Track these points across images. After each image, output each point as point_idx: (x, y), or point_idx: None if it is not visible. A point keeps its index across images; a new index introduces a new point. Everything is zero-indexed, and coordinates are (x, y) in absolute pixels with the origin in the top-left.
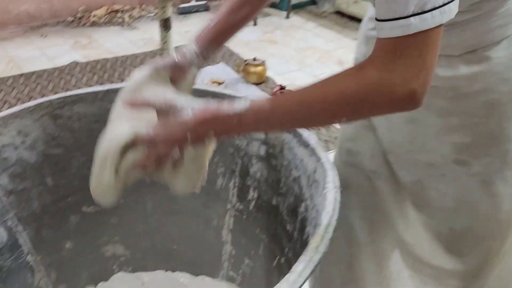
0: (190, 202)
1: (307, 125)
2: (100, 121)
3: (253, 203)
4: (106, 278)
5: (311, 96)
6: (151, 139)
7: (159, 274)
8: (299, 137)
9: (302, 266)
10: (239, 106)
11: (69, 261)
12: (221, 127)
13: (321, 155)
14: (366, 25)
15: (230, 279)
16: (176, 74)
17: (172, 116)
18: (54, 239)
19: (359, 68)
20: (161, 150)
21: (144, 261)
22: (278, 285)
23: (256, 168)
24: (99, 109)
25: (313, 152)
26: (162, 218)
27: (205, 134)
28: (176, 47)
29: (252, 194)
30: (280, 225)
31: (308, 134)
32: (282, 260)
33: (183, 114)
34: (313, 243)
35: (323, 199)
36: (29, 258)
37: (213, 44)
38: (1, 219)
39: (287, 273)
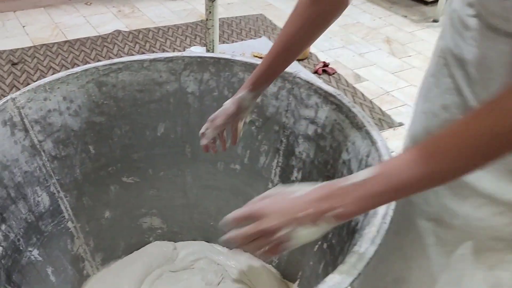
0: (230, 179)
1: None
2: (144, 90)
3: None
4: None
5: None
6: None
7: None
8: (352, 117)
9: (356, 258)
10: (363, 174)
11: (107, 231)
12: (347, 199)
13: (376, 138)
14: (463, 9)
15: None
16: (232, 122)
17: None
18: (93, 207)
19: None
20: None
21: (180, 236)
22: (331, 275)
23: (302, 148)
24: (144, 78)
25: (367, 134)
26: (201, 193)
27: (326, 209)
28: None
29: (296, 175)
30: None
31: (362, 115)
32: (325, 245)
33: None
34: (368, 233)
35: None
36: (69, 224)
37: (265, 84)
38: (44, 184)
39: (329, 259)
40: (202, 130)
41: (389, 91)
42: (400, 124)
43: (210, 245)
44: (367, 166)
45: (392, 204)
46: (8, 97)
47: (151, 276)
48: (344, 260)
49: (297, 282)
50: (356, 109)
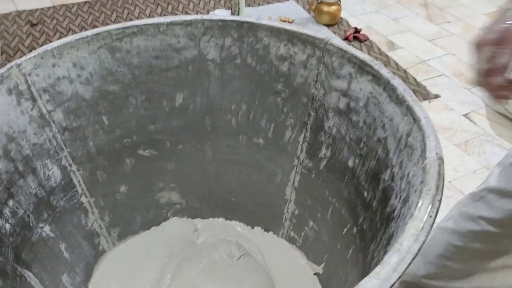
0: (252, 153)
1: None
2: (161, 57)
3: (324, 162)
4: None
5: None
6: None
7: (214, 221)
8: (391, 90)
9: (397, 259)
10: None
11: (123, 205)
12: None
13: (419, 115)
14: None
15: (291, 240)
16: None
17: None
18: (108, 181)
19: None
20: None
21: (200, 211)
22: (366, 279)
23: (332, 123)
24: (160, 43)
25: (408, 110)
26: (221, 168)
27: None
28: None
29: (325, 152)
30: (355, 190)
31: (403, 88)
32: (354, 229)
33: None
34: (411, 228)
35: (421, 171)
36: (83, 199)
37: None
38: (55, 157)
39: (359, 245)
40: (483, 63)
41: (425, 60)
42: (436, 96)
43: (231, 226)
44: (407, 146)
45: (440, 193)
46: (13, 63)
47: (174, 260)
48: (383, 260)
49: (322, 265)
50: (396, 81)
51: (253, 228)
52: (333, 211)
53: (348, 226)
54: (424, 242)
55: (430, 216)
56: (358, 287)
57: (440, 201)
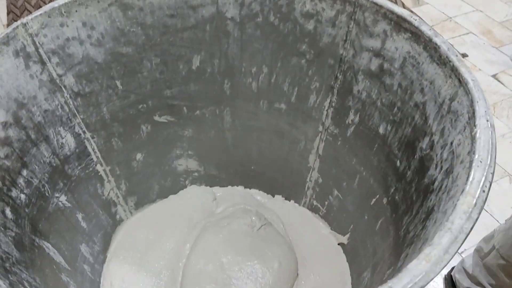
0: (274, 119)
1: None
2: (176, 16)
3: (352, 128)
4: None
5: None
6: None
7: (233, 189)
8: (433, 49)
9: (448, 239)
10: None
11: (139, 173)
12: None
13: (467, 77)
14: None
15: (313, 209)
16: None
17: None
18: (124, 149)
19: None
20: None
21: (218, 180)
22: (415, 261)
23: (362, 87)
24: (175, 0)
25: (453, 72)
26: (241, 134)
27: None
28: None
29: (352, 118)
30: (386, 159)
31: (447, 47)
32: (385, 200)
33: None
34: (463, 204)
35: (469, 139)
36: (98, 167)
37: None
38: (67, 124)
39: (389, 217)
40: None
41: (452, 16)
42: (464, 56)
43: (251, 195)
44: (450, 112)
45: (492, 164)
46: (18, 22)
47: (193, 230)
48: (433, 241)
49: (347, 236)
50: (440, 39)
51: (273, 196)
52: (360, 180)
53: (377, 196)
54: (477, 219)
55: (483, 191)
56: (406, 271)
57: (493, 173)
